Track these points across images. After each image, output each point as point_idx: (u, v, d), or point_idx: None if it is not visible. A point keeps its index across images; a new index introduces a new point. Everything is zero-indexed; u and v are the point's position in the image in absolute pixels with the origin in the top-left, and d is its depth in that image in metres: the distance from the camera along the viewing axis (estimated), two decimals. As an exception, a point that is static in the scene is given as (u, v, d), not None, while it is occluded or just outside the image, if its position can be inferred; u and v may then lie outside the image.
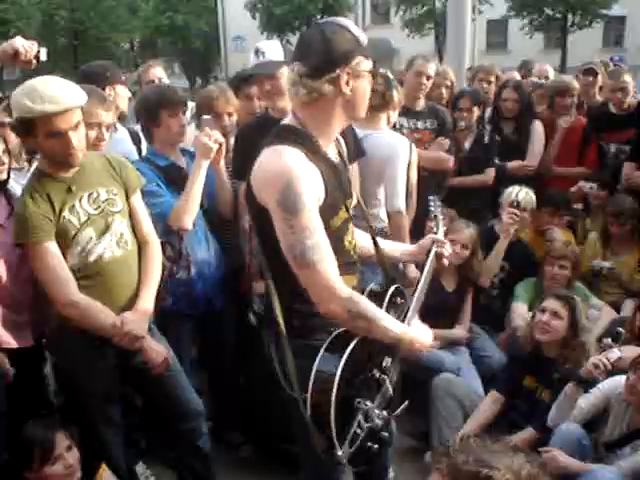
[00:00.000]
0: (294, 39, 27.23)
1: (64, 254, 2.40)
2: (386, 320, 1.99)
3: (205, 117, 3.03)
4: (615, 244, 4.09)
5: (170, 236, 2.92)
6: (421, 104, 4.22)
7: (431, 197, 2.68)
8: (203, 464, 2.88)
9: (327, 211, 1.93)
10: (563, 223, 4.30)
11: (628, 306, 3.80)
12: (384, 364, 2.11)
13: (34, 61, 2.76)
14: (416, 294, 2.26)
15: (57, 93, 2.29)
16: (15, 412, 2.55)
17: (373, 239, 2.32)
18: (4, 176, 2.66)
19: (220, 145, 2.95)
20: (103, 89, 3.36)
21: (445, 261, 2.42)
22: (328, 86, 1.90)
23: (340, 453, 1.92)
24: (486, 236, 3.96)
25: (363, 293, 2.09)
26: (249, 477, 3.26)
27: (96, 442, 2.61)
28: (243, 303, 3.32)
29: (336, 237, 1.98)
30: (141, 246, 2.63)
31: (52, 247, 2.37)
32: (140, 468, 3.19)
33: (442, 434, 3.20)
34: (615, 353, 2.83)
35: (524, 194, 3.99)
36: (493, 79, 5.05)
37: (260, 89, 3.09)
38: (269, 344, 2.09)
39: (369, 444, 2.06)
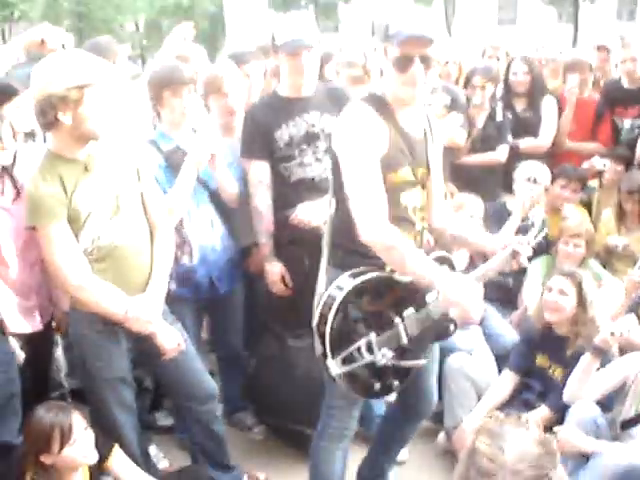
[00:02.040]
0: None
1: (76, 237, 2.38)
2: (421, 260, 2.16)
3: (202, 125, 2.94)
4: (630, 221, 4.04)
5: None
6: (434, 80, 4.16)
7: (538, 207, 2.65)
8: (217, 446, 2.89)
9: (385, 165, 2.20)
10: (576, 199, 4.25)
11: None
12: (405, 312, 2.27)
13: (60, 49, 2.74)
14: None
15: (99, 61, 2.35)
16: (27, 396, 2.55)
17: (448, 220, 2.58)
18: (9, 160, 2.62)
19: (213, 155, 2.90)
20: (114, 62, 3.37)
21: (522, 261, 2.44)
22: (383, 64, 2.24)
23: (330, 362, 2.18)
24: (498, 212, 3.92)
25: None
26: (262, 458, 3.26)
27: (108, 425, 2.61)
28: (253, 283, 3.31)
29: (392, 191, 2.23)
30: (153, 229, 2.60)
31: (64, 229, 2.35)
32: (153, 450, 3.21)
33: (455, 414, 3.18)
34: (631, 319, 2.80)
35: (539, 170, 3.94)
36: (502, 55, 4.97)
37: (295, 62, 2.95)
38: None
39: (372, 380, 2.29)
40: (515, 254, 2.41)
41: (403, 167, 2.27)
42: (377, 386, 2.32)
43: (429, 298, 2.28)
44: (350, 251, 2.27)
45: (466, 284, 2.15)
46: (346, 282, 2.22)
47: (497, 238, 2.61)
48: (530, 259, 3.85)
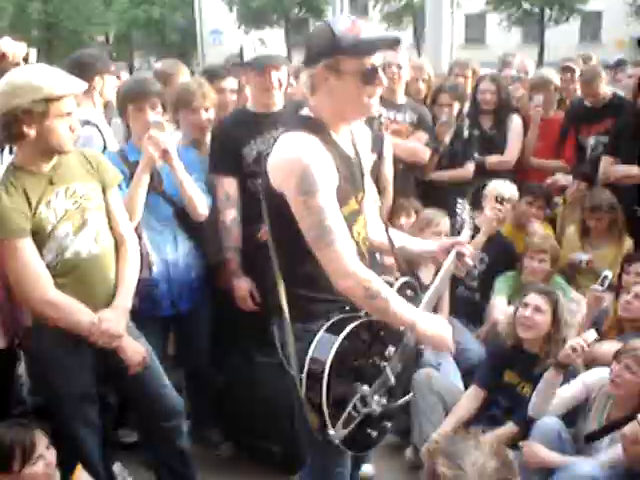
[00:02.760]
0: (271, 33, 27.16)
1: (40, 250, 2.35)
2: (401, 304, 2.02)
3: (153, 120, 2.86)
4: (593, 237, 4.11)
5: None
6: (401, 97, 4.21)
7: (460, 200, 2.68)
8: (183, 463, 2.85)
9: (337, 199, 2.01)
10: (541, 215, 4.32)
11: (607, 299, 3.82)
12: (386, 353, 2.15)
13: (22, 63, 2.72)
14: (428, 292, 2.29)
15: (64, 75, 2.34)
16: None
17: (387, 233, 2.38)
18: None
19: (165, 150, 2.82)
20: (92, 78, 3.32)
21: (468, 261, 2.36)
22: (309, 80, 2.02)
23: (332, 432, 2.00)
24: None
25: None
26: (229, 476, 3.23)
27: (72, 442, 2.56)
28: (223, 299, 3.28)
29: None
30: (118, 243, 2.58)
31: (28, 243, 2.32)
32: (117, 468, 3.15)
33: (423, 430, 3.18)
34: (592, 334, 2.84)
35: (508, 188, 4.00)
36: (469, 74, 5.06)
37: (263, 80, 2.95)
38: (274, 328, 2.18)
39: (369, 430, 2.15)
40: (459, 256, 2.34)
41: (350, 198, 2.10)
42: (374, 434, 2.19)
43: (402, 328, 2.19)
44: (309, 300, 2.06)
45: (439, 323, 2.11)
46: (326, 346, 2.00)
47: (428, 245, 2.48)
48: (495, 270, 3.92)
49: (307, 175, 1.92)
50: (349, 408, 2.06)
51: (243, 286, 3.10)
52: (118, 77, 3.51)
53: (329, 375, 1.98)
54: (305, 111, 2.09)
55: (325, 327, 2.04)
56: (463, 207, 2.60)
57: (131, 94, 2.96)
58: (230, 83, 3.64)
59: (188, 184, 2.94)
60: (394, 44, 2.08)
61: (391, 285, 2.21)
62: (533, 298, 3.14)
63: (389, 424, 2.26)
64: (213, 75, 3.63)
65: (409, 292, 2.29)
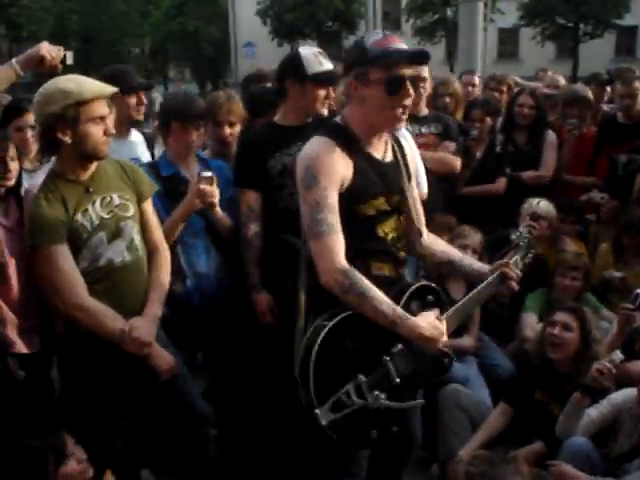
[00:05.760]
0: (304, 46, 27.35)
1: (74, 258, 2.41)
2: (378, 301, 2.08)
3: (204, 174, 2.84)
4: (627, 255, 4.04)
5: None
6: (424, 110, 4.11)
7: (521, 229, 2.72)
8: (209, 471, 2.85)
9: (354, 198, 2.15)
10: (573, 232, 4.26)
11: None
12: (393, 349, 2.16)
13: (60, 65, 2.82)
14: (455, 305, 2.32)
15: (93, 81, 2.42)
16: (22, 418, 2.53)
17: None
18: (12, 183, 2.63)
19: (211, 203, 2.86)
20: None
21: (512, 284, 2.40)
22: (345, 89, 2.21)
23: (317, 411, 2.03)
24: (500, 245, 3.91)
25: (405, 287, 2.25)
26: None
27: (100, 447, 2.58)
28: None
29: (366, 223, 2.20)
30: (151, 252, 2.63)
31: (64, 250, 2.38)
32: (146, 475, 3.17)
33: (449, 445, 3.16)
34: (617, 355, 2.80)
35: (545, 206, 3.96)
36: (505, 88, 5.03)
37: (318, 95, 2.92)
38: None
39: (368, 428, 2.13)
40: (505, 278, 2.37)
41: (375, 197, 2.20)
42: (374, 434, 2.15)
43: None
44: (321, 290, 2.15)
45: (428, 325, 2.14)
46: (323, 324, 2.11)
47: (482, 266, 2.50)
48: (527, 287, 3.88)
49: (307, 170, 2.11)
50: (341, 393, 2.06)
51: (262, 301, 3.05)
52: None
53: (319, 351, 2.04)
54: (337, 119, 2.24)
55: (327, 315, 2.12)
56: (522, 232, 2.60)
57: (177, 113, 2.96)
58: None
59: (226, 220, 3.00)
60: (422, 58, 2.16)
61: (409, 287, 2.25)
62: (560, 316, 3.11)
63: (395, 428, 2.21)
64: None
65: (430, 297, 2.30)
